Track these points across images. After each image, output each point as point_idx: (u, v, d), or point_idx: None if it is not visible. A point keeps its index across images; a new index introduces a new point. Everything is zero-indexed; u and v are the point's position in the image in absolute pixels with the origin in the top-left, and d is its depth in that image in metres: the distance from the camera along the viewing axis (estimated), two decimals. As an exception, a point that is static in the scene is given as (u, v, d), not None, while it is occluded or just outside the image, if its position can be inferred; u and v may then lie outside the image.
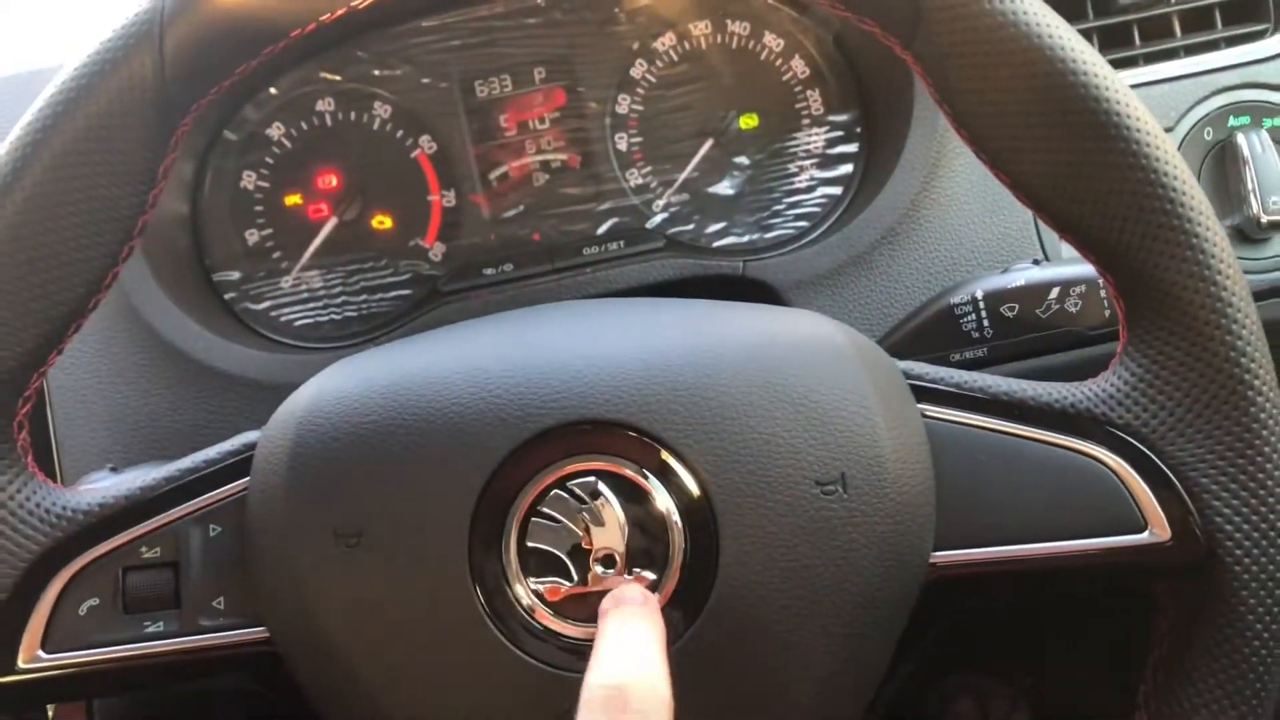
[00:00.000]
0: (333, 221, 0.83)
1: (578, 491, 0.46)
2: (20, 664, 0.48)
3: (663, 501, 0.45)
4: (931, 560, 0.47)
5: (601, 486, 0.46)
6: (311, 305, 0.82)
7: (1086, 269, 0.61)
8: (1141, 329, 0.48)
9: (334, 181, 0.84)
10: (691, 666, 0.44)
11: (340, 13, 0.47)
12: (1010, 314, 0.61)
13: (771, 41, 0.84)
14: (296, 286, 0.83)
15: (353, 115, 0.83)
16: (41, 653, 0.48)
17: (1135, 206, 0.45)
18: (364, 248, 0.83)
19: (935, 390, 0.49)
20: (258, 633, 0.49)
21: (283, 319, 0.82)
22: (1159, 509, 0.47)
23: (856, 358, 0.48)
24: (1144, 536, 0.47)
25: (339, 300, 0.82)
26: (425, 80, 0.83)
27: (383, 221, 0.84)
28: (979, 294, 0.62)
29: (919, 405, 0.49)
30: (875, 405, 0.47)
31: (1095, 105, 0.45)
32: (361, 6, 0.47)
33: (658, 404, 0.46)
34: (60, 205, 0.46)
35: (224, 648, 0.49)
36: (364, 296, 0.82)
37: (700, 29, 0.84)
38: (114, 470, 0.63)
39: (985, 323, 0.61)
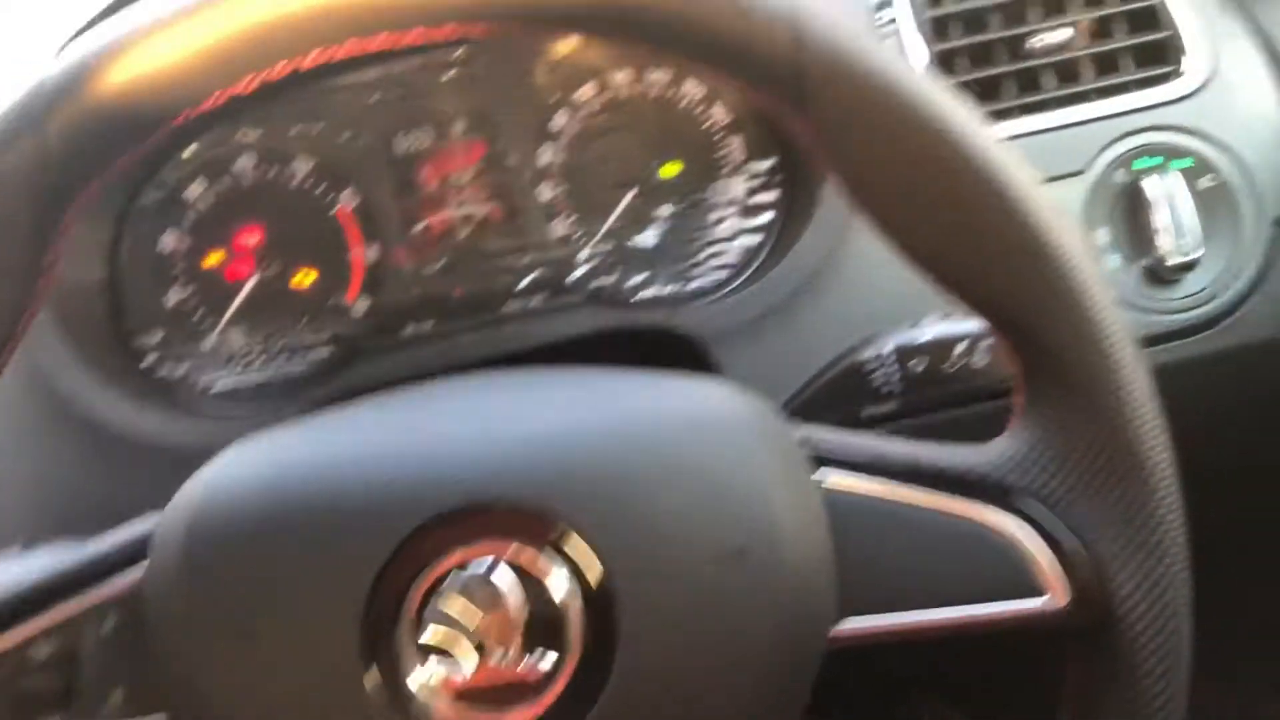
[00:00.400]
0: (254, 279, 0.82)
1: (473, 578, 0.45)
2: None
3: (560, 584, 0.45)
4: (832, 633, 0.47)
5: (496, 574, 0.45)
6: (231, 368, 0.81)
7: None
8: (1036, 390, 0.48)
9: (255, 239, 0.83)
10: None
11: (221, 102, 0.47)
12: (919, 368, 0.61)
13: (692, 89, 0.84)
14: (218, 347, 0.82)
15: (272, 173, 0.83)
16: None
17: (1020, 272, 0.46)
18: (286, 305, 0.82)
19: (833, 459, 0.49)
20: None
21: (201, 384, 0.81)
22: (1058, 574, 0.47)
23: (754, 430, 0.48)
24: (1042, 601, 0.47)
25: (258, 362, 0.81)
26: (346, 134, 0.83)
27: (305, 277, 0.83)
28: (888, 349, 0.62)
29: (820, 472, 0.49)
30: (772, 478, 0.47)
31: (973, 172, 0.45)
32: (249, 91, 0.47)
33: (553, 483, 0.46)
34: None
35: None
36: (282, 358, 0.82)
37: (621, 78, 0.84)
38: (25, 547, 0.62)
39: (896, 377, 0.61)
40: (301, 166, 0.83)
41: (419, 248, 0.83)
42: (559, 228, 0.83)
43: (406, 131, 0.83)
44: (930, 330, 0.62)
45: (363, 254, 0.83)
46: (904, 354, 0.61)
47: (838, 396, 0.61)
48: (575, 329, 0.77)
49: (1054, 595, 0.47)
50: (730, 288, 0.80)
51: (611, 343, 0.77)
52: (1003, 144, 0.46)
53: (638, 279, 0.82)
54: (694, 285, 0.82)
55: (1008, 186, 0.46)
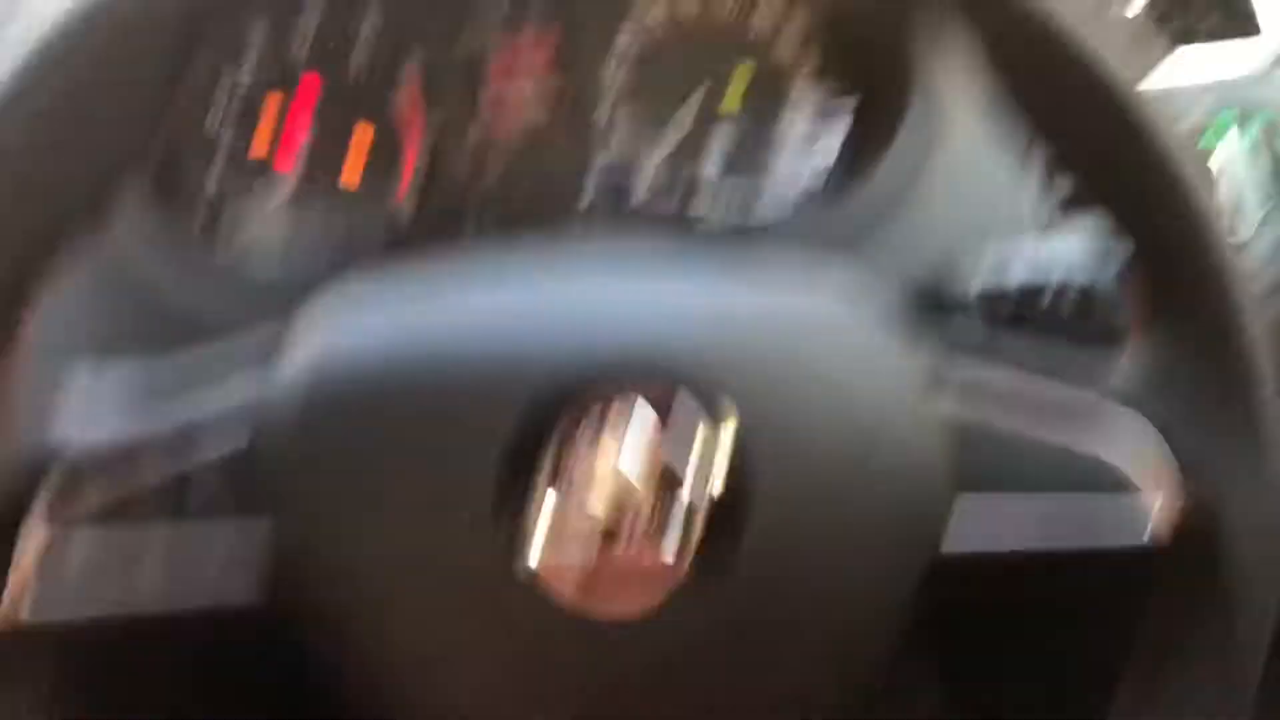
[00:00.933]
0: (302, 171, 0.80)
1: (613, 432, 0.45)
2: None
3: (699, 452, 0.45)
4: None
5: (636, 434, 0.45)
6: (281, 257, 0.79)
7: (1084, 269, 0.61)
8: (1154, 321, 0.49)
9: (305, 133, 0.80)
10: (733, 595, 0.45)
11: None
12: (1004, 313, 0.62)
13: (764, 12, 0.82)
14: (262, 231, 0.79)
15: (324, 68, 0.80)
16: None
17: (1151, 200, 0.47)
18: (333, 197, 0.80)
19: (955, 383, 0.50)
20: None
21: (253, 264, 0.79)
22: (1170, 505, 0.49)
23: (887, 346, 0.49)
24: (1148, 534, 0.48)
25: (314, 251, 0.79)
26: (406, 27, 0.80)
27: (353, 173, 0.81)
28: (980, 287, 0.62)
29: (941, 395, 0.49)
30: (901, 395, 0.47)
31: (1114, 103, 0.46)
32: None
33: (703, 347, 0.46)
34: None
35: None
36: (338, 250, 0.79)
37: (690, -3, 0.83)
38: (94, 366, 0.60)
39: (980, 320, 0.62)
40: (358, 59, 0.80)
41: (479, 151, 0.81)
42: (618, 145, 0.82)
43: (476, 24, 0.80)
44: (1017, 276, 0.62)
45: (416, 147, 0.81)
46: (991, 295, 0.62)
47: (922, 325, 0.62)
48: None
49: (1159, 525, 0.48)
50: (798, 215, 0.79)
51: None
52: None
53: (702, 199, 0.81)
54: (761, 210, 0.81)
55: (1148, 127, 0.47)
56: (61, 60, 0.44)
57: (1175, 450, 0.48)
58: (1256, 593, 0.49)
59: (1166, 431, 0.49)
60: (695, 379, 0.45)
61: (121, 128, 0.46)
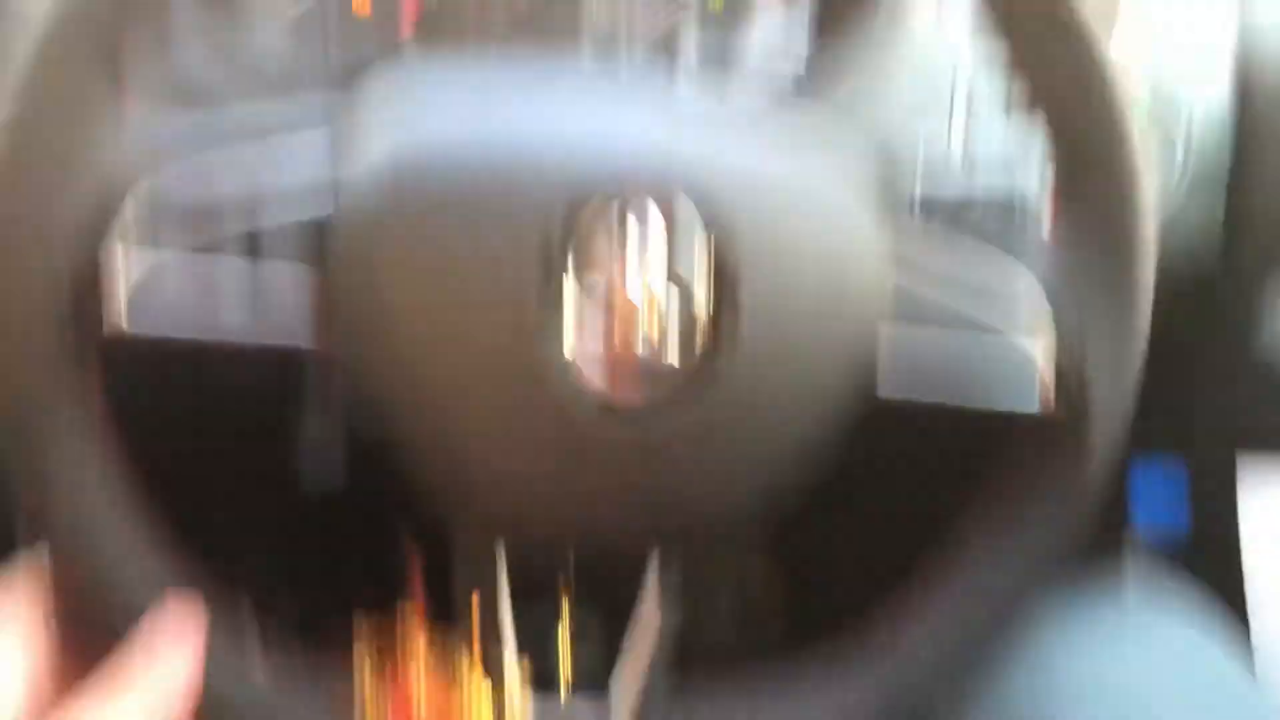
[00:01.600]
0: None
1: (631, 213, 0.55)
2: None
3: (699, 247, 0.55)
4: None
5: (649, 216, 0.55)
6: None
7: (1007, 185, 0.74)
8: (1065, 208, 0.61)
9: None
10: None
11: None
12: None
13: None
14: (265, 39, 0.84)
15: None
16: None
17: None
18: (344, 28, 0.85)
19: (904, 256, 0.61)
20: None
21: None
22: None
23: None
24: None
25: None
26: None
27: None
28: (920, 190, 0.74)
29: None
30: (873, 240, 0.59)
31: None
32: None
33: (710, 163, 0.56)
34: None
35: None
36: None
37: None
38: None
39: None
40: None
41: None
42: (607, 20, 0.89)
43: None
44: (952, 185, 0.74)
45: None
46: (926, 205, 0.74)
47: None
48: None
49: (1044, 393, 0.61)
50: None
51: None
52: None
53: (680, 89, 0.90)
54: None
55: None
56: None
57: (1057, 321, 0.60)
58: (1099, 456, 0.61)
59: (1054, 303, 0.60)
60: (698, 190, 0.55)
61: None
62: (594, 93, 0.60)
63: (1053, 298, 0.61)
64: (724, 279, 0.55)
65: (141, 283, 0.54)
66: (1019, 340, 0.61)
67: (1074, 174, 0.59)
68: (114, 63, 0.53)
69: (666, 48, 0.91)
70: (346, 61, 0.86)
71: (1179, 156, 0.91)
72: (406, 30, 0.87)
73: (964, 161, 0.78)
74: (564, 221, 0.54)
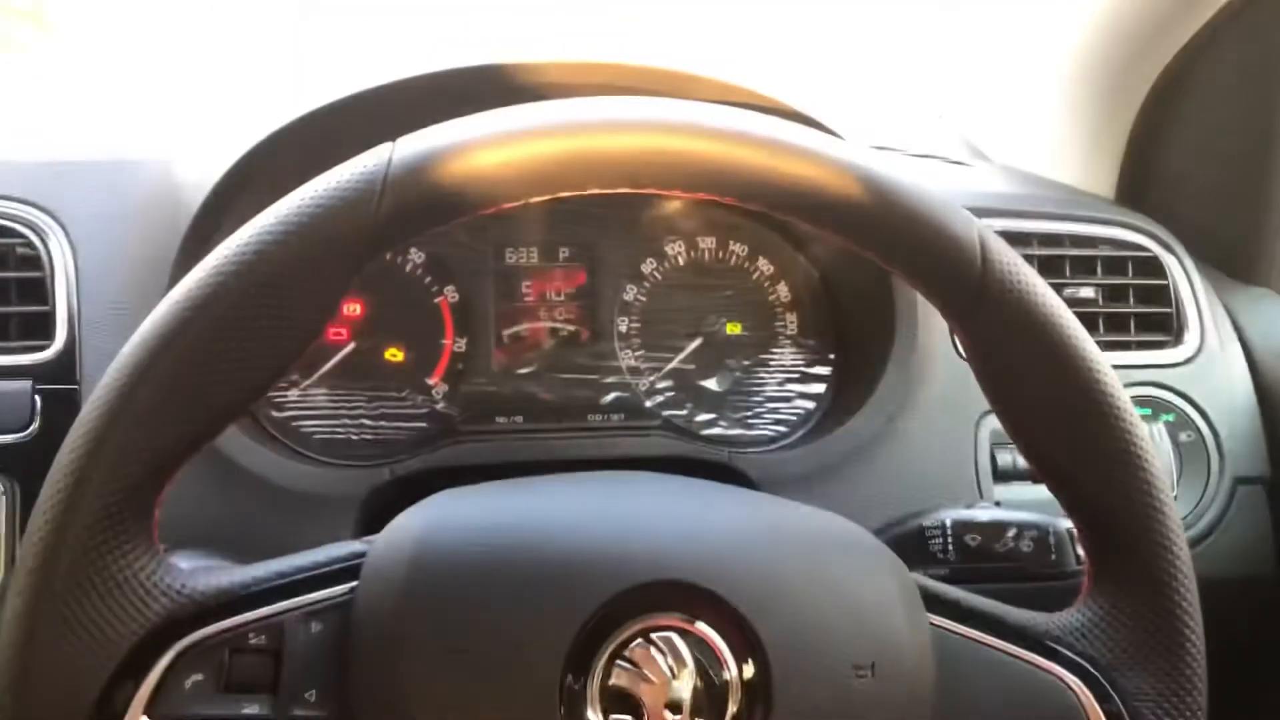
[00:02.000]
0: (351, 346, 0.90)
1: (657, 642, 0.54)
2: None
3: (730, 664, 0.54)
4: None
5: (678, 641, 0.54)
6: (330, 421, 0.88)
7: (1040, 518, 0.73)
8: (1104, 578, 0.60)
9: (358, 311, 0.91)
10: None
11: (523, 202, 0.56)
12: (973, 544, 0.73)
13: (764, 265, 0.97)
14: (303, 399, 0.88)
15: (389, 255, 0.91)
16: (145, 718, 0.52)
17: (1123, 483, 0.58)
18: (374, 375, 0.90)
19: (940, 601, 0.60)
20: None
21: (303, 429, 0.87)
22: None
23: (889, 563, 0.58)
24: None
25: (358, 421, 0.88)
26: (462, 239, 0.92)
27: (395, 355, 0.91)
28: (949, 522, 0.74)
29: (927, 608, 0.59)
30: (900, 609, 0.57)
31: (1104, 397, 0.58)
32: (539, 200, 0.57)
33: (735, 577, 0.55)
34: (253, 323, 0.52)
35: None
36: (382, 423, 0.89)
37: (706, 243, 0.97)
38: (165, 550, 0.67)
39: (950, 547, 0.73)
40: (416, 257, 0.92)
41: (512, 349, 0.92)
42: (630, 358, 0.94)
43: (516, 247, 0.94)
44: (985, 513, 0.74)
45: (452, 343, 0.91)
46: (960, 527, 0.73)
47: (899, 553, 0.72)
48: (648, 450, 0.86)
49: None
50: (786, 441, 0.91)
51: (677, 467, 0.86)
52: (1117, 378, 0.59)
53: (705, 416, 0.93)
54: (755, 432, 0.93)
55: (1128, 418, 0.58)
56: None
57: (1112, 686, 0.58)
58: None
59: (1105, 668, 0.58)
60: (726, 603, 0.54)
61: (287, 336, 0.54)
62: (620, 500, 0.61)
63: (1097, 650, 0.59)
64: (754, 691, 0.54)
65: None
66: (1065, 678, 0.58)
67: (1105, 555, 0.60)
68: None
69: (688, 378, 0.94)
70: (389, 410, 0.89)
71: (1213, 459, 0.91)
72: (435, 378, 0.91)
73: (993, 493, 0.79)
74: (589, 637, 0.54)
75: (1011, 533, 0.73)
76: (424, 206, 0.54)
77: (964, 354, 0.61)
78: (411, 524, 0.57)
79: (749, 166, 0.55)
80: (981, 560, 0.73)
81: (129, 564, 0.52)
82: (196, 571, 0.56)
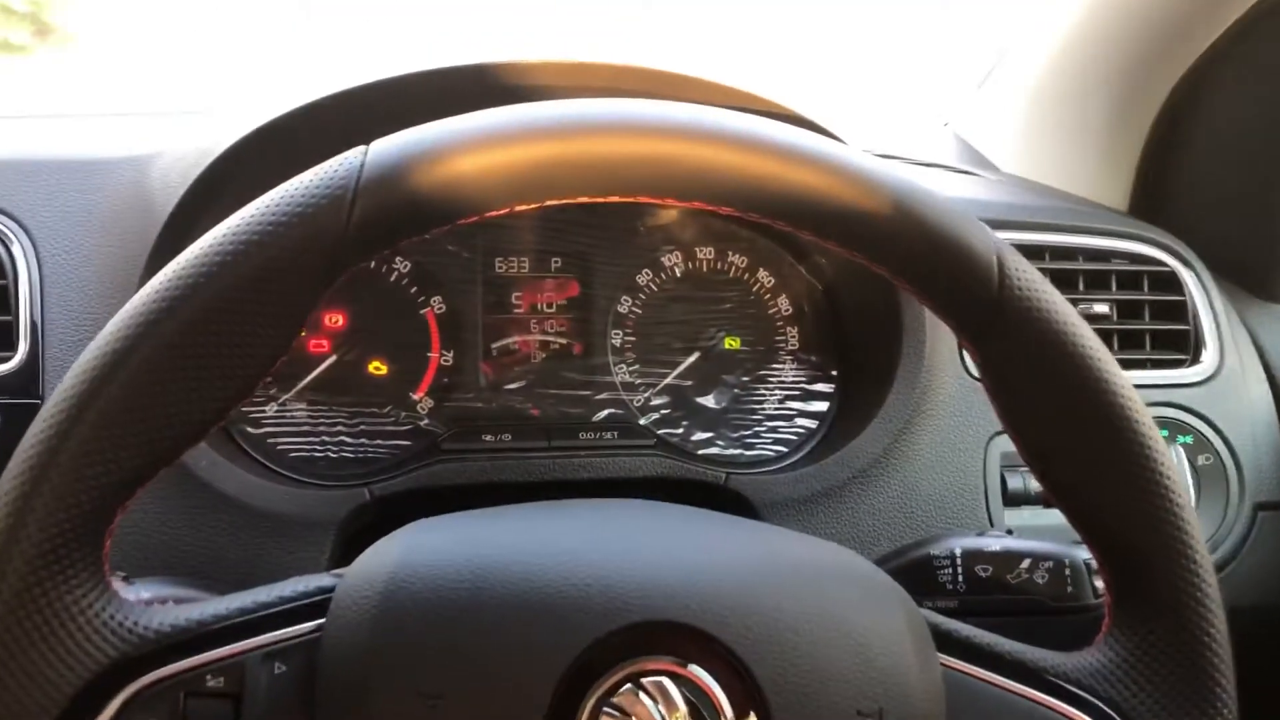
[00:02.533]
0: (332, 359, 0.86)
1: (648, 687, 0.50)
2: None
3: (727, 711, 0.50)
4: None
5: (670, 686, 0.50)
6: (308, 438, 0.84)
7: (1055, 548, 0.69)
8: (1127, 613, 0.56)
9: (340, 321, 0.87)
10: None
11: (506, 211, 0.52)
12: (984, 574, 0.69)
13: (764, 277, 0.93)
14: (281, 414, 0.84)
15: (372, 264, 0.87)
16: None
17: (1147, 511, 0.54)
18: (356, 390, 0.86)
19: (951, 639, 0.56)
20: None
21: (279, 447, 0.83)
22: None
23: (896, 599, 0.54)
24: None
25: (337, 439, 0.84)
26: (450, 247, 0.88)
27: (378, 368, 0.87)
28: (958, 551, 0.70)
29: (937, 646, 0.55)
30: (910, 648, 0.53)
31: (1122, 419, 0.53)
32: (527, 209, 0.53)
33: (732, 617, 0.51)
34: (209, 345, 0.48)
35: None
36: (363, 440, 0.85)
37: (704, 253, 0.93)
38: (125, 579, 0.63)
39: (960, 578, 0.69)
40: (401, 266, 0.88)
41: (500, 363, 0.88)
42: (624, 372, 0.90)
43: (506, 256, 0.90)
44: (997, 542, 0.70)
45: (439, 357, 0.87)
46: (970, 557, 0.69)
47: (904, 583, 0.68)
48: (641, 470, 0.82)
49: None
50: (787, 462, 0.87)
51: (672, 488, 0.82)
52: (1139, 397, 0.55)
53: (701, 435, 0.89)
54: (753, 452, 0.89)
55: (1148, 439, 0.54)
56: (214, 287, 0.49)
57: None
58: None
59: (1128, 713, 0.54)
60: (721, 644, 0.50)
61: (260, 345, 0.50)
62: (608, 532, 0.56)
63: (1121, 693, 0.55)
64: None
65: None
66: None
67: (1126, 587, 0.56)
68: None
69: (684, 395, 0.90)
70: (370, 427, 0.85)
71: (1233, 483, 0.87)
72: (420, 391, 0.87)
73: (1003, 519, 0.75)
74: (573, 682, 0.50)
75: (1025, 563, 0.69)
76: (400, 215, 0.50)
77: (976, 373, 0.58)
78: (383, 557, 0.53)
79: (749, 174, 0.51)
80: (994, 593, 0.69)
81: (75, 600, 0.48)
82: (151, 606, 0.51)
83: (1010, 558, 0.69)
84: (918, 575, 0.70)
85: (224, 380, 0.49)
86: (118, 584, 0.56)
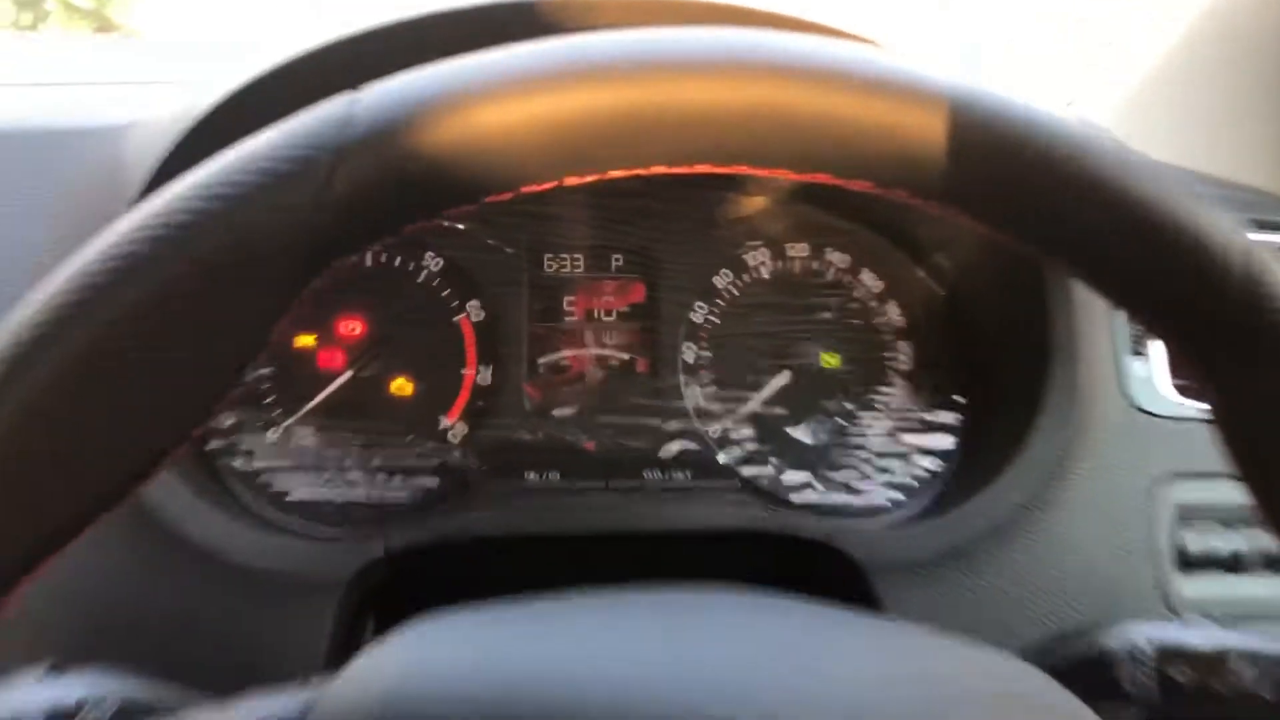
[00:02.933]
0: (347, 375, 0.71)
1: None
2: None
3: None
4: None
5: None
6: (310, 474, 0.69)
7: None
8: None
9: (357, 330, 0.72)
10: None
11: (553, 186, 0.36)
12: (1183, 678, 0.52)
13: (870, 280, 0.76)
14: (282, 443, 0.69)
15: (397, 261, 0.72)
16: None
17: None
18: (374, 413, 0.71)
19: None
20: None
21: (274, 486, 0.68)
22: None
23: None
24: None
25: (347, 475, 0.69)
26: (490, 241, 0.73)
27: (402, 387, 0.72)
28: (1147, 645, 0.52)
29: None
30: None
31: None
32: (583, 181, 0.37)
33: None
34: (132, 365, 0.33)
35: None
36: (379, 477, 0.69)
37: (797, 250, 0.77)
38: (54, 669, 0.48)
39: (1153, 681, 0.52)
40: (431, 263, 0.73)
41: (548, 383, 0.73)
42: (699, 396, 0.74)
43: (558, 253, 0.74)
44: (1199, 634, 0.53)
45: (474, 373, 0.72)
46: (1166, 655, 0.52)
47: (1067, 685, 0.51)
48: (724, 520, 0.66)
49: None
50: (904, 513, 0.70)
51: (759, 546, 0.66)
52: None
53: (796, 477, 0.72)
54: (862, 499, 0.72)
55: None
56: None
57: None
58: None
59: None
60: None
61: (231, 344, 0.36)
62: (688, 642, 0.40)
63: None
64: None
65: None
66: None
67: None
68: None
69: (772, 426, 0.74)
70: (390, 462, 0.70)
71: None
72: (451, 416, 0.71)
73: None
74: None
75: (1241, 664, 0.51)
76: (401, 189, 0.34)
77: (1212, 416, 0.40)
78: (377, 670, 0.37)
79: (905, 133, 0.35)
80: (1199, 703, 0.51)
81: None
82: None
83: (1220, 658, 0.52)
84: (1089, 676, 0.53)
85: (151, 414, 0.34)
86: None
